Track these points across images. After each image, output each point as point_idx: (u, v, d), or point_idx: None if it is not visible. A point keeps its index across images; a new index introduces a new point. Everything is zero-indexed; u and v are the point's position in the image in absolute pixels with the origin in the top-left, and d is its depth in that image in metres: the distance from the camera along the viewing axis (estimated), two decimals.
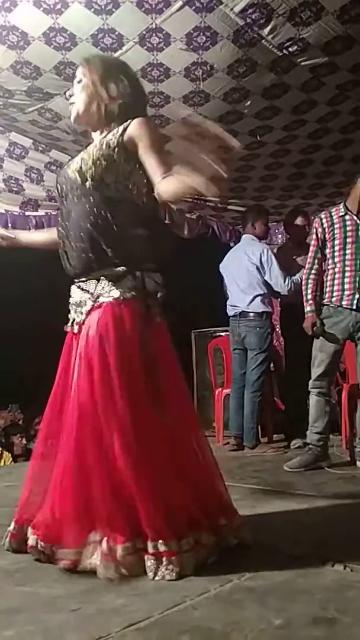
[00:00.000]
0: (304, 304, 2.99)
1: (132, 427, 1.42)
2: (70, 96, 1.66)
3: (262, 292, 3.69)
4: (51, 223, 4.21)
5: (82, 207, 1.53)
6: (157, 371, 1.54)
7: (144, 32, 2.63)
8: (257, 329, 3.67)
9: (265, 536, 1.70)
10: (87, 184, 1.53)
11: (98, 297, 1.52)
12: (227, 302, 3.88)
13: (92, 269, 1.54)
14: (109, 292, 1.50)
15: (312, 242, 3.01)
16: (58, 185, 1.64)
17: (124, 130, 1.52)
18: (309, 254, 3.03)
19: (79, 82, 1.63)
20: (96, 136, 1.64)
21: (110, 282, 1.51)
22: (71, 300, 1.63)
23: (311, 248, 3.02)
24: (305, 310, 2.97)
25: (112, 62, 1.76)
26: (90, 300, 1.53)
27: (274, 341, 4.22)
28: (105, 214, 1.51)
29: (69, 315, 1.63)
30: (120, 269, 1.52)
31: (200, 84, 3.02)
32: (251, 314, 3.69)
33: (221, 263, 3.97)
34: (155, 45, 2.71)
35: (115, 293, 1.50)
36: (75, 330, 1.58)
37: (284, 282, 3.59)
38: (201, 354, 4.74)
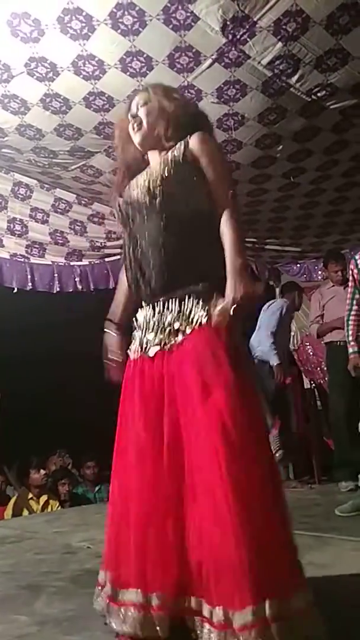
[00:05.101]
0: (347, 345, 2.97)
1: None
2: (135, 117, 1.57)
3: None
4: (94, 271, 4.39)
5: (155, 225, 1.46)
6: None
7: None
8: None
9: (318, 585, 1.63)
10: (157, 200, 1.45)
11: (192, 317, 1.40)
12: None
13: (175, 287, 1.43)
14: (202, 311, 1.39)
15: (350, 284, 3.04)
16: (122, 212, 1.56)
17: (187, 144, 1.49)
18: (348, 295, 3.03)
19: (144, 104, 1.57)
20: (154, 157, 1.58)
21: (198, 300, 1.40)
22: (142, 323, 1.50)
23: (349, 290, 3.03)
24: (349, 352, 2.95)
25: (168, 86, 1.73)
26: (183, 321, 1.41)
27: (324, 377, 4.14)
28: (180, 228, 1.44)
29: (138, 339, 1.49)
30: (202, 285, 1.41)
31: (232, 133, 3.13)
32: None
33: None
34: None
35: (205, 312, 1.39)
36: (151, 354, 1.43)
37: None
38: None
